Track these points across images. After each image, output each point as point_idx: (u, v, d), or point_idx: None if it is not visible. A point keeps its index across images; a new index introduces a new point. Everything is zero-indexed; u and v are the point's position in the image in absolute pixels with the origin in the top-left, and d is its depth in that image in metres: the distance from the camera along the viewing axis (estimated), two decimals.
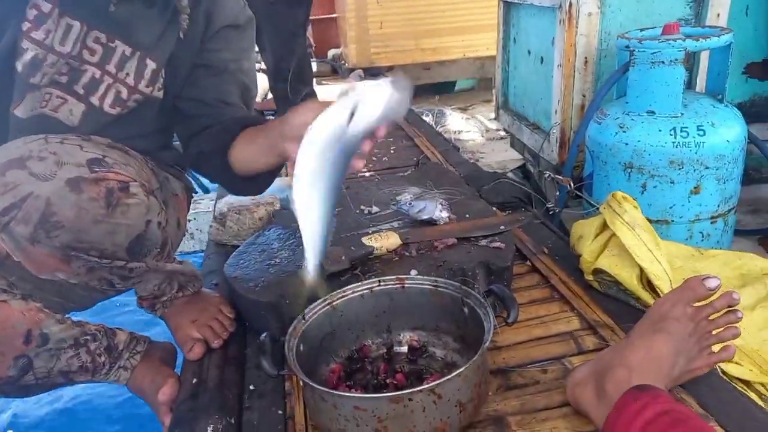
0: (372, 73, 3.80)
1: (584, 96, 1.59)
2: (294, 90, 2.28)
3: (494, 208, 1.33)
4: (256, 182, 0.99)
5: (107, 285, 0.90)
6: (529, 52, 1.86)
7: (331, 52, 4.16)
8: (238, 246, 1.37)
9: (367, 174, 1.92)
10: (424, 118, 3.00)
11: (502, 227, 1.17)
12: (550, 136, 1.66)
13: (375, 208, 1.33)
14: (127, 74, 0.91)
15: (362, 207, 1.34)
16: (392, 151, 2.14)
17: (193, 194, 1.24)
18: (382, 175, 1.87)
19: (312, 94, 2.35)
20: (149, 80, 0.93)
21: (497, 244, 1.11)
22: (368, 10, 3.56)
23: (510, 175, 1.83)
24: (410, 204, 1.25)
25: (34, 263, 0.81)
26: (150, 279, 0.96)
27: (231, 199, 1.42)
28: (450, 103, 3.92)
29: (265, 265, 1.12)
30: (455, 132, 3.22)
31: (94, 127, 0.92)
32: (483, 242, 1.12)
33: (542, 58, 1.75)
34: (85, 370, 0.92)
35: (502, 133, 3.12)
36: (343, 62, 4.01)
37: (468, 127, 3.35)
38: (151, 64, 0.92)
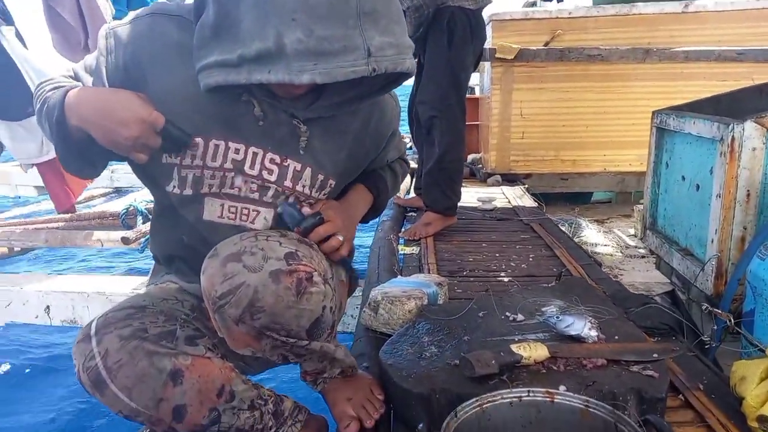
0: (508, 179, 3.93)
1: (745, 228, 1.55)
2: (448, 184, 2.47)
3: (643, 333, 1.32)
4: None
5: (282, 359, 1.04)
6: (683, 178, 1.86)
7: (471, 156, 4.38)
8: (386, 333, 1.49)
9: (506, 279, 1.97)
10: (561, 227, 3.02)
11: (655, 355, 1.16)
12: (706, 265, 1.62)
13: (520, 316, 1.38)
14: (303, 186, 1.07)
15: (507, 313, 1.40)
16: (531, 259, 2.18)
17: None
18: (521, 282, 1.92)
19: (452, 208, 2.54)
20: (319, 187, 1.09)
21: (650, 373, 1.10)
22: (512, 121, 3.76)
23: (657, 299, 1.77)
24: (557, 317, 1.28)
25: (234, 340, 0.97)
26: (316, 357, 1.08)
27: (385, 289, 1.55)
28: (586, 214, 3.89)
29: (416, 356, 1.21)
30: (592, 245, 3.18)
31: (282, 223, 1.08)
32: (635, 368, 1.12)
33: (698, 186, 1.74)
34: (255, 431, 1.04)
35: (642, 251, 3.02)
36: (481, 166, 4.20)
37: (606, 241, 3.28)
38: (319, 176, 1.08)
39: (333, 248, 1.08)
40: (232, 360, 1.07)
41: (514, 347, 1.15)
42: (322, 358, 1.08)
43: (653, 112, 2.05)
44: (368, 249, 2.49)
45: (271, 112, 1.01)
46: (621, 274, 2.67)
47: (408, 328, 1.36)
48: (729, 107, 2.00)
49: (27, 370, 2.73)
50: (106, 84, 0.98)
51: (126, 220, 2.59)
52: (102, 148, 0.96)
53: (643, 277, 2.58)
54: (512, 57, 3.53)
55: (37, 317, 2.18)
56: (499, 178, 3.87)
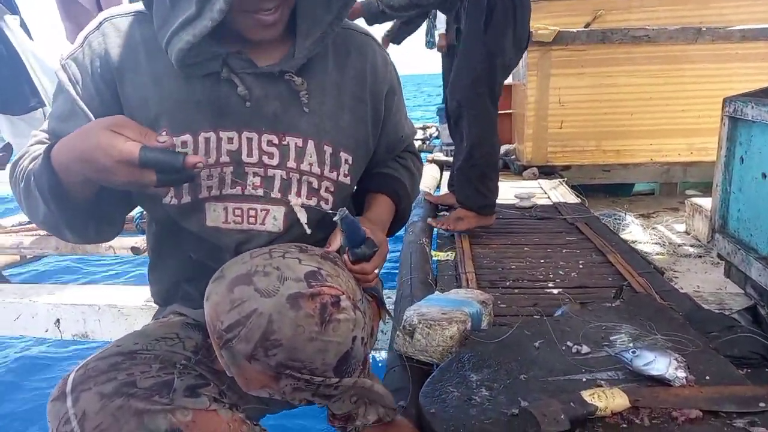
0: (545, 171, 3.68)
1: None
2: (480, 180, 2.25)
3: (739, 372, 1.09)
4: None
5: (306, 402, 0.86)
6: (763, 176, 1.61)
7: (504, 147, 4.13)
8: (423, 362, 1.29)
9: (555, 291, 1.76)
10: (604, 223, 2.78)
11: (762, 404, 0.94)
12: None
13: (585, 348, 1.16)
14: (310, 164, 0.91)
15: (568, 343, 1.19)
16: (581, 266, 1.96)
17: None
18: (574, 294, 1.70)
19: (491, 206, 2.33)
20: (332, 164, 0.93)
21: (760, 430, 0.88)
22: (549, 110, 3.50)
23: (735, 316, 1.54)
24: (633, 352, 1.06)
25: (246, 380, 0.79)
26: (347, 398, 0.90)
27: (422, 309, 1.35)
28: (629, 208, 3.63)
29: (463, 402, 1.01)
30: (640, 243, 2.93)
31: (295, 222, 0.91)
32: (739, 423, 0.90)
33: None
34: None
35: (693, 250, 2.77)
36: (515, 158, 3.95)
37: (653, 239, 3.03)
38: (326, 148, 0.92)
39: (367, 280, 0.91)
40: (245, 405, 0.90)
41: (586, 396, 0.94)
42: (354, 397, 0.90)
43: (725, 99, 1.80)
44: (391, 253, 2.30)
45: (257, 86, 0.87)
46: (676, 277, 2.43)
47: (451, 362, 1.16)
48: None
49: None
50: (91, 117, 0.84)
51: (140, 223, 2.44)
52: (113, 197, 0.82)
53: (702, 281, 2.34)
54: (550, 40, 3.26)
55: (47, 331, 2.05)
56: (535, 170, 3.62)
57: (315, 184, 0.92)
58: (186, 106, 0.85)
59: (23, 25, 2.40)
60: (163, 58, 0.83)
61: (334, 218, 0.85)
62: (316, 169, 0.91)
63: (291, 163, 0.90)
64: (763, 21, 3.27)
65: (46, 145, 0.80)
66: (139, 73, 0.85)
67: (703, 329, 1.28)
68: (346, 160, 0.94)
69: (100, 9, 2.34)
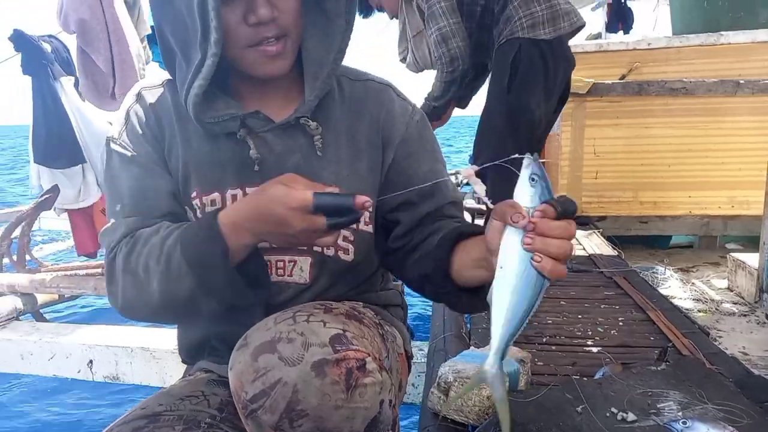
0: (580, 221, 3.62)
1: None
2: None
3: None
4: (479, 297, 0.83)
5: None
6: None
7: None
8: (458, 422, 1.25)
9: (595, 350, 1.70)
10: (642, 276, 2.70)
11: None
12: None
13: (630, 415, 1.11)
14: None
15: (613, 410, 1.13)
16: (621, 323, 1.89)
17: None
18: (615, 354, 1.63)
19: None
20: None
21: None
22: (584, 160, 3.47)
23: None
24: (684, 423, 1.01)
25: None
26: None
27: (457, 366, 1.32)
28: (668, 261, 3.53)
29: None
30: (680, 299, 2.83)
31: (321, 273, 0.92)
32: None
33: None
34: None
35: (737, 308, 2.66)
36: None
37: (694, 294, 2.92)
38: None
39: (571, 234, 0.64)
40: None
41: None
42: None
43: None
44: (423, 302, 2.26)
45: (277, 142, 0.90)
46: (720, 337, 2.33)
47: (489, 425, 1.12)
48: None
49: None
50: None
51: None
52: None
53: (748, 341, 2.23)
54: (585, 92, 3.27)
55: (79, 372, 2.07)
56: None
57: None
58: (212, 166, 0.89)
59: (76, 84, 2.54)
60: (190, 121, 0.86)
61: (524, 162, 0.67)
62: None
63: None
64: None
65: (180, 223, 0.84)
66: (173, 137, 0.90)
67: (756, 398, 1.21)
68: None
69: (114, 74, 2.44)
